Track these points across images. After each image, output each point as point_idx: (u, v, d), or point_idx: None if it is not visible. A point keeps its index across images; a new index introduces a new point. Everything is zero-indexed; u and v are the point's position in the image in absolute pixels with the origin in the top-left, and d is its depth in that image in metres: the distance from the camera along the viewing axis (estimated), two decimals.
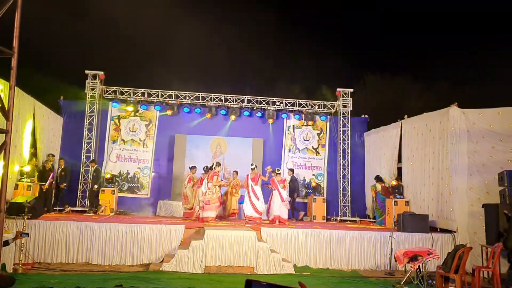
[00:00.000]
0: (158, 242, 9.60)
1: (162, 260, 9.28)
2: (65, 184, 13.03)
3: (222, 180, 12.37)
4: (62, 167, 13.21)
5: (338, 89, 15.69)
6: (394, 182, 12.91)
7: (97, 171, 13.60)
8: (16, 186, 11.08)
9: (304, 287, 1.87)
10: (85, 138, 14.32)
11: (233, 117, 15.23)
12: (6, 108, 4.16)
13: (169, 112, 14.97)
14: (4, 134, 4.25)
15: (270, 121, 15.45)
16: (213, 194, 11.60)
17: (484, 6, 23.68)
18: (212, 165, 12.27)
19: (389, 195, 12.72)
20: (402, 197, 12.45)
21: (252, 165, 12.37)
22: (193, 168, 13.07)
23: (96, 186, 13.21)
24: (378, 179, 13.29)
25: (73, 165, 13.88)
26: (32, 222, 9.12)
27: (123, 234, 9.49)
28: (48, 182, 11.98)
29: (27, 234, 8.08)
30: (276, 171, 12.28)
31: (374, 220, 13.79)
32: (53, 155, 13.00)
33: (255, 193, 11.91)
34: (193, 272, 8.75)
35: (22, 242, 8.52)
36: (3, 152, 4.17)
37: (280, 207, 11.83)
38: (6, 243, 7.41)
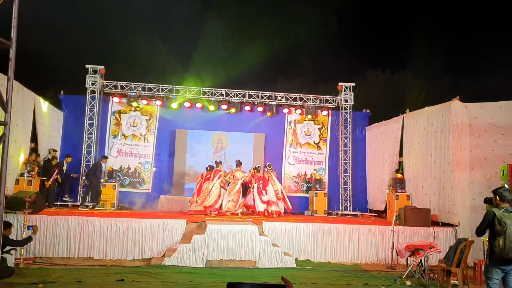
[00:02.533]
0: (159, 237, 9.60)
1: (164, 254, 9.27)
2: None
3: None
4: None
5: (339, 84, 15.62)
6: (399, 175, 12.89)
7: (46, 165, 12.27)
8: (17, 181, 11.08)
9: (287, 282, 1.83)
10: (85, 133, 14.29)
11: (234, 111, 15.18)
12: (5, 100, 4.13)
13: (173, 106, 14.90)
14: (3, 127, 4.22)
15: (271, 115, 15.38)
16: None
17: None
18: (268, 165, 12.84)
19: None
20: (403, 191, 12.43)
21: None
22: (220, 163, 12.72)
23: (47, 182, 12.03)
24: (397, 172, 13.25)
25: (73, 160, 13.86)
26: (33, 217, 9.11)
27: (125, 229, 9.48)
28: (52, 178, 11.94)
29: (31, 227, 7.95)
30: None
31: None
32: (55, 150, 12.99)
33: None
34: (195, 266, 8.74)
35: (24, 236, 8.51)
36: (1, 144, 4.15)
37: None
38: (30, 239, 7.43)
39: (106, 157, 13.74)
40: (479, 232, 5.26)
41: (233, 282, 1.77)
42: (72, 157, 13.49)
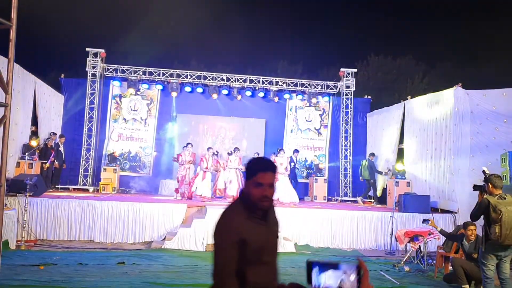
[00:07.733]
0: (160, 220, 9.64)
1: (164, 238, 9.32)
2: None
3: None
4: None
5: (341, 69, 15.53)
6: (401, 169, 12.87)
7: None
8: (18, 164, 11.08)
9: (361, 262, 1.84)
10: (86, 117, 14.25)
11: (235, 97, 15.09)
12: (5, 81, 4.10)
13: (174, 94, 14.81)
14: (4, 108, 4.20)
15: (274, 100, 15.27)
16: None
17: None
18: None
19: None
20: (403, 177, 12.44)
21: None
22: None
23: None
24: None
25: (74, 144, 13.85)
26: (34, 200, 9.15)
27: (125, 212, 9.52)
28: (49, 161, 11.95)
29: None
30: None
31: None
32: (55, 134, 12.98)
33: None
34: (195, 250, 8.79)
35: (25, 219, 8.56)
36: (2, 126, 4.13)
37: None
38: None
39: (55, 134, 13.00)
40: (474, 217, 5.35)
41: (312, 260, 1.82)
42: (65, 137, 13.22)
